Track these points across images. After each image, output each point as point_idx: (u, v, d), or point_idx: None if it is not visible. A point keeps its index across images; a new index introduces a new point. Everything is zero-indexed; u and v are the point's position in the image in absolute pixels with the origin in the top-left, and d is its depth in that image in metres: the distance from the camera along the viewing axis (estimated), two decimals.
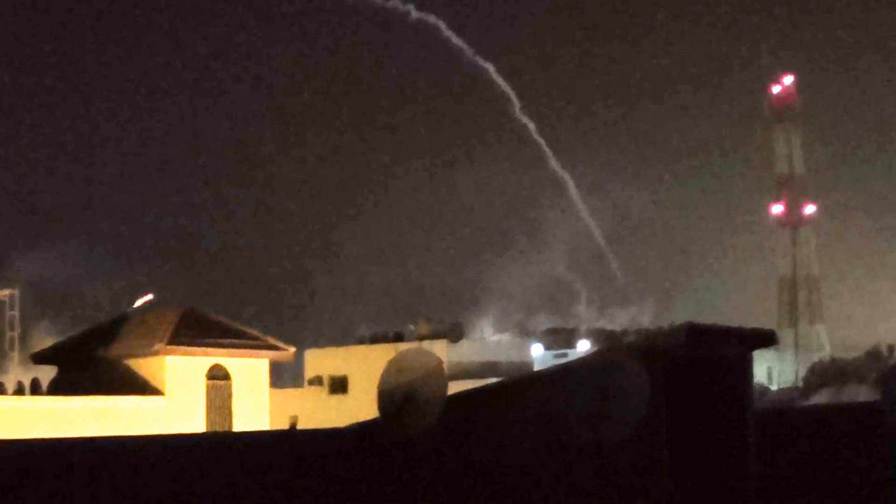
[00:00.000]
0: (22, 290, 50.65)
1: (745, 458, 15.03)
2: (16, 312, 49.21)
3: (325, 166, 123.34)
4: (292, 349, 37.69)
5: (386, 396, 13.86)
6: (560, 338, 61.92)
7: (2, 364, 46.85)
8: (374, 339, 55.48)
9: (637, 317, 71.42)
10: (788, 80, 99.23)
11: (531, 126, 74.72)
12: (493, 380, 16.19)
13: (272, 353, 36.67)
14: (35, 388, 33.89)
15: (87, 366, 34.31)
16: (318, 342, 55.87)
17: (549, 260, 75.51)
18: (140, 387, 33.32)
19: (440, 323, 55.62)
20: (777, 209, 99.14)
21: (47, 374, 36.13)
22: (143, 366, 33.78)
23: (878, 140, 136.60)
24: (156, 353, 33.44)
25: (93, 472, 12.99)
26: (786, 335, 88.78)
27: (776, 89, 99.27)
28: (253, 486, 13.92)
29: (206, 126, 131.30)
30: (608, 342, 56.20)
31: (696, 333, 14.27)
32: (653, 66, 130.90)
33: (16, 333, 48.63)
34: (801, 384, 68.52)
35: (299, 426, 41.10)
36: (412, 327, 55.91)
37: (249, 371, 35.55)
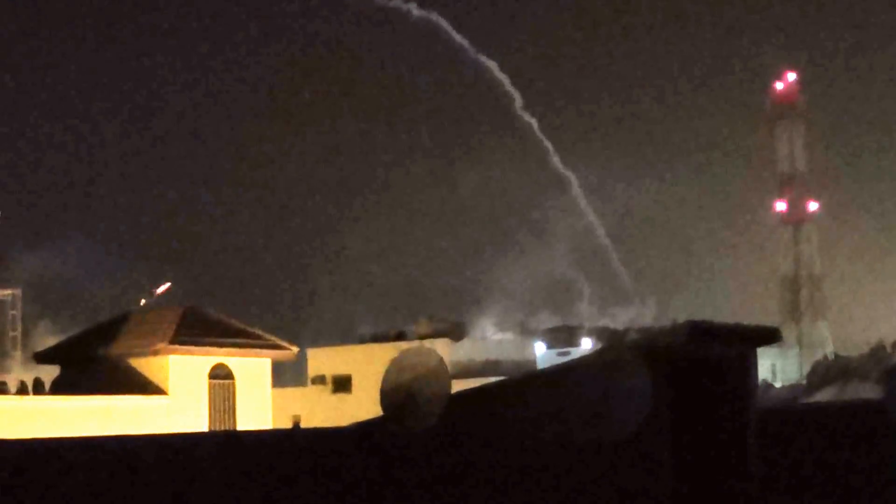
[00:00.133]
0: (24, 290, 50.74)
1: (748, 457, 15.00)
2: (17, 312, 49.27)
3: (327, 165, 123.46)
4: (295, 348, 37.73)
5: (388, 395, 13.89)
6: (562, 336, 61.93)
7: (4, 363, 46.87)
8: (376, 338, 55.53)
9: (639, 315, 71.51)
10: (791, 76, 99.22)
11: (534, 124, 74.78)
12: (495, 379, 16.16)
13: (275, 353, 36.70)
14: (37, 388, 33.91)
15: (90, 365, 34.35)
16: (321, 341, 55.96)
17: (551, 258, 75.59)
18: (143, 386, 33.36)
19: (442, 321, 55.65)
20: (780, 207, 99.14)
21: (50, 373, 36.16)
22: (146, 365, 33.81)
23: (881, 138, 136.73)
24: (158, 353, 33.48)
25: (95, 471, 12.98)
26: (789, 332, 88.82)
27: (779, 86, 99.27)
28: (256, 486, 13.91)
29: (208, 125, 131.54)
30: (610, 341, 56.20)
31: (699, 331, 14.22)
32: (655, 64, 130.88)
33: (18, 333, 48.69)
34: (804, 381, 68.52)
35: (302, 425, 41.20)
36: (413, 327, 55.96)
37: (252, 370, 35.58)
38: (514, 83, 75.21)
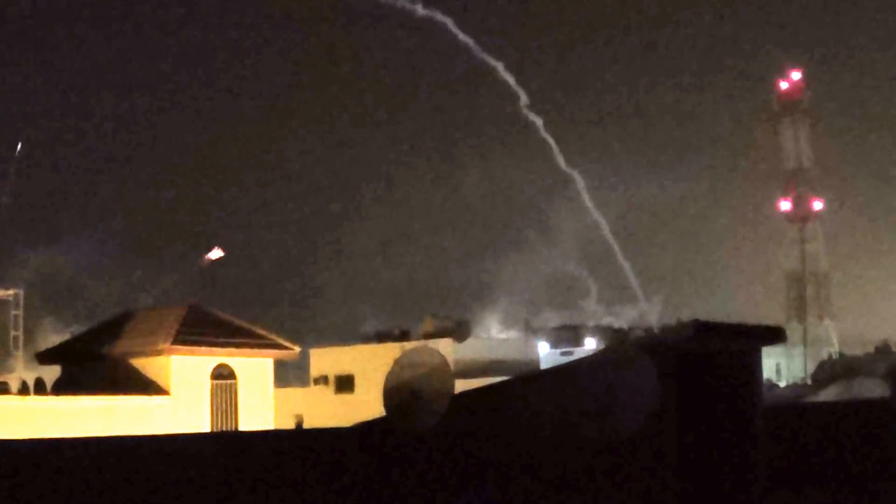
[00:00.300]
0: (27, 288, 50.70)
1: (754, 455, 14.94)
2: (20, 312, 49.21)
3: (331, 163, 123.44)
4: (297, 348, 37.59)
5: (391, 394, 13.83)
6: (567, 335, 61.85)
7: (6, 363, 46.82)
8: (380, 337, 55.41)
9: (644, 314, 71.38)
10: (796, 75, 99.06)
11: (539, 122, 74.61)
12: (499, 378, 16.07)
13: (277, 352, 36.57)
14: (39, 388, 33.80)
15: (92, 365, 34.24)
16: (324, 340, 55.83)
17: (556, 256, 75.50)
18: (145, 386, 33.23)
19: (446, 320, 55.54)
20: (785, 205, 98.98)
21: (51, 373, 36.05)
22: (148, 365, 33.69)
23: (887, 135, 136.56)
24: (160, 353, 33.34)
25: (98, 471, 12.91)
26: (794, 331, 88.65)
27: (783, 85, 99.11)
28: (258, 486, 13.83)
29: (210, 123, 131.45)
30: (615, 340, 56.12)
31: (704, 330, 14.15)
32: (660, 62, 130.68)
33: (20, 333, 48.64)
34: (809, 380, 68.39)
35: (304, 425, 41.11)
36: (417, 326, 55.86)
37: (254, 370, 35.45)
38: (518, 82, 75.13)
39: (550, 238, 78.29)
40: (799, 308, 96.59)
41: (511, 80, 73.75)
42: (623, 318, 71.73)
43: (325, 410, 46.49)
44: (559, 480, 14.03)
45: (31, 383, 34.19)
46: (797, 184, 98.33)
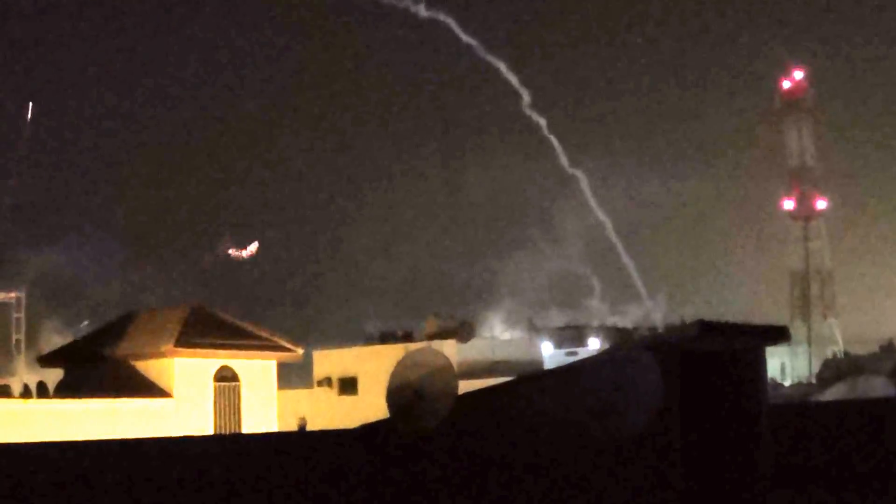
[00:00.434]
0: (29, 289, 50.67)
1: (759, 454, 14.87)
2: (21, 315, 49.19)
3: (334, 164, 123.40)
4: (300, 350, 37.53)
5: (395, 396, 13.78)
6: (571, 335, 61.78)
7: (8, 366, 46.78)
8: (384, 338, 55.31)
9: (649, 313, 71.29)
10: (799, 74, 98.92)
11: (542, 122, 74.55)
12: (503, 379, 15.99)
13: (280, 354, 36.52)
14: (41, 391, 33.75)
15: (95, 367, 34.19)
16: (328, 341, 55.71)
17: (560, 256, 75.42)
18: (148, 388, 33.17)
19: (450, 320, 55.41)
20: (788, 204, 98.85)
21: (54, 375, 36.00)
22: (151, 367, 33.64)
23: (891, 132, 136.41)
24: (163, 355, 33.29)
25: (101, 475, 12.85)
26: (798, 330, 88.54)
27: (786, 83, 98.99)
28: (263, 488, 13.76)
29: (213, 123, 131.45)
30: (619, 339, 56.05)
31: (708, 329, 14.09)
32: (663, 61, 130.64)
33: (21, 335, 48.62)
34: (814, 379, 68.26)
35: (308, 427, 41.02)
36: (421, 326, 55.74)
37: (257, 372, 35.40)
38: (521, 81, 75.04)
39: (554, 237, 78.27)
40: (803, 307, 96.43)
41: (514, 79, 73.75)
42: (627, 318, 71.66)
43: (328, 412, 46.38)
44: (563, 480, 13.96)
45: (33, 386, 34.13)
46: (801, 182, 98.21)
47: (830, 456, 19.12)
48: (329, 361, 52.82)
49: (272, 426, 34.52)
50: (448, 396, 13.60)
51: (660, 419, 13.13)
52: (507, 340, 58.19)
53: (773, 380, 65.26)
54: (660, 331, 52.08)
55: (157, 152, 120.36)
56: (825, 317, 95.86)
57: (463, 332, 53.24)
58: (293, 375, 49.17)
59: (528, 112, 74.64)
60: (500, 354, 51.19)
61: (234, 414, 34.30)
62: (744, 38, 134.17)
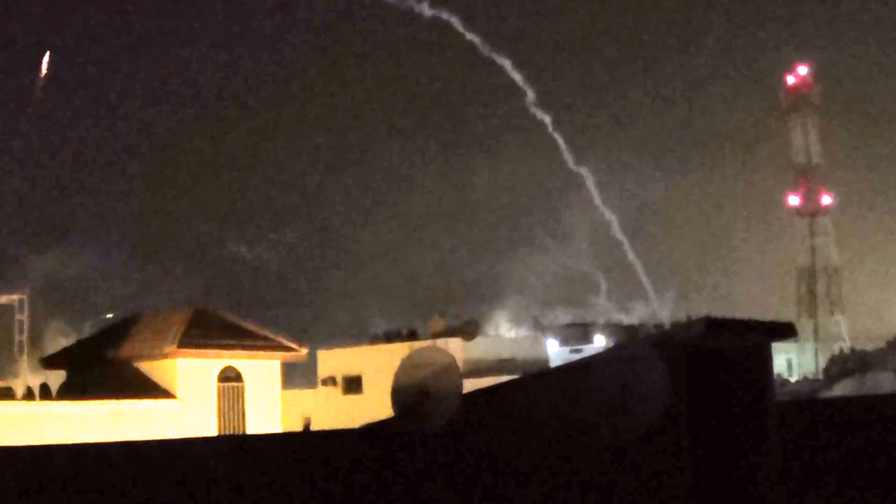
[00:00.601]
0: (33, 292, 50.64)
1: (766, 451, 14.79)
2: (24, 317, 49.16)
3: (338, 163, 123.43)
4: (304, 350, 37.46)
5: (400, 394, 13.71)
6: (577, 333, 61.68)
7: (11, 368, 46.76)
8: (389, 337, 55.24)
9: (655, 310, 71.19)
10: (803, 70, 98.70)
11: (547, 120, 74.49)
12: (509, 377, 15.91)
13: (284, 354, 36.44)
14: (44, 393, 33.68)
15: (98, 369, 34.14)
16: (333, 340, 55.66)
17: (566, 254, 75.37)
18: (151, 389, 33.10)
19: (455, 318, 55.34)
20: (794, 200, 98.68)
21: (57, 377, 35.96)
22: (154, 368, 33.57)
23: None
24: (166, 356, 33.22)
25: (104, 478, 12.72)
26: (805, 326, 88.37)
27: (791, 80, 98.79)
28: (267, 489, 13.64)
29: (216, 124, 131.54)
30: (626, 337, 55.98)
31: (715, 326, 14.00)
32: (669, 57, 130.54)
33: (24, 338, 48.60)
34: (821, 375, 68.12)
35: (313, 426, 40.96)
36: (426, 325, 55.65)
37: (261, 372, 35.31)
38: (527, 80, 74.95)
39: (560, 235, 78.27)
40: (810, 303, 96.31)
41: (518, 77, 73.67)
42: (633, 315, 71.59)
43: (333, 411, 46.30)
44: (570, 479, 13.87)
45: (36, 388, 34.05)
46: (807, 178, 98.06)
47: (839, 452, 18.99)
48: (333, 361, 52.75)
49: (276, 426, 34.44)
50: (453, 395, 13.51)
51: (667, 417, 13.06)
52: (512, 339, 58.12)
53: (780, 376, 65.13)
54: (666, 328, 52.00)
55: (161, 153, 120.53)
56: (832, 313, 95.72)
57: (468, 330, 53.17)
58: (298, 375, 49.16)
59: (533, 110, 74.62)
60: (505, 353, 51.13)
61: (239, 414, 34.23)
62: (750, 34, 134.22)
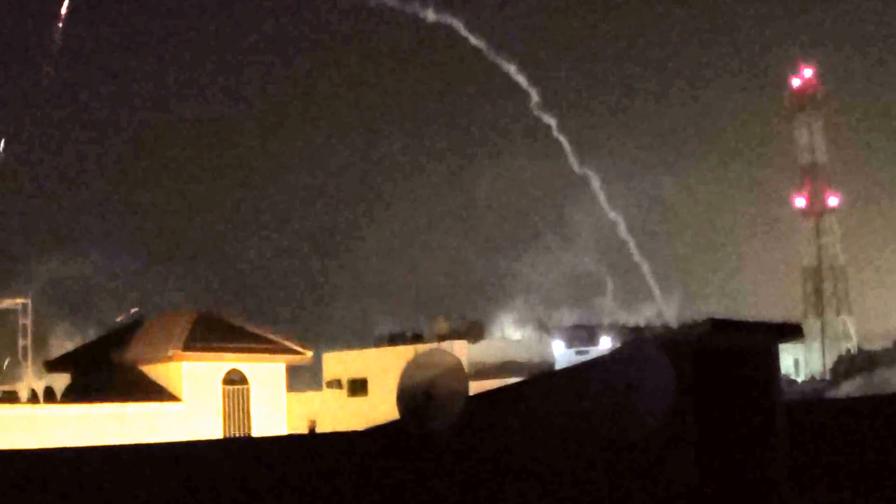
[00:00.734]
0: (38, 294, 50.59)
1: (774, 452, 14.74)
2: (28, 321, 49.11)
3: (343, 166, 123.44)
4: (309, 352, 37.44)
5: (405, 396, 13.66)
6: (582, 334, 61.57)
7: (16, 372, 46.72)
8: (393, 339, 55.18)
9: (661, 310, 71.07)
10: (808, 72, 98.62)
11: (553, 122, 74.46)
12: (515, 379, 15.86)
13: (289, 357, 36.41)
14: (49, 396, 33.65)
15: (103, 372, 34.11)
16: (339, 342, 55.60)
17: (572, 255, 75.28)
18: (157, 392, 33.07)
19: (460, 320, 55.30)
20: (800, 202, 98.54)
21: (61, 381, 35.91)
22: (159, 371, 33.54)
23: None
24: (171, 359, 33.18)
25: (110, 480, 12.68)
26: (811, 326, 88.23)
27: (796, 82, 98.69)
28: (273, 492, 13.59)
29: (225, 126, 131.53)
30: (631, 338, 55.83)
31: (721, 327, 13.96)
32: (674, 58, 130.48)
33: (28, 342, 48.57)
34: (828, 375, 68.00)
35: (318, 429, 40.90)
36: (431, 326, 55.59)
37: (266, 375, 35.28)
38: (532, 82, 74.88)
39: (566, 236, 78.14)
40: (816, 303, 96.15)
41: (524, 81, 73.65)
42: (641, 315, 71.43)
43: (338, 414, 46.24)
44: (576, 481, 13.81)
45: (40, 392, 34.03)
46: (813, 178, 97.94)
47: (847, 452, 18.91)
48: (339, 363, 52.68)
49: (282, 429, 34.41)
50: (459, 397, 13.47)
51: (673, 418, 13.01)
52: (518, 340, 58.02)
53: (787, 376, 65.01)
54: (672, 329, 51.90)
55: (166, 155, 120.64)
56: (838, 312, 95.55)
57: (473, 332, 53.13)
58: (303, 377, 49.12)
59: (538, 112, 74.61)
60: (511, 354, 51.05)
61: (244, 417, 34.18)
62: (756, 34, 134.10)
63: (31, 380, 42.42)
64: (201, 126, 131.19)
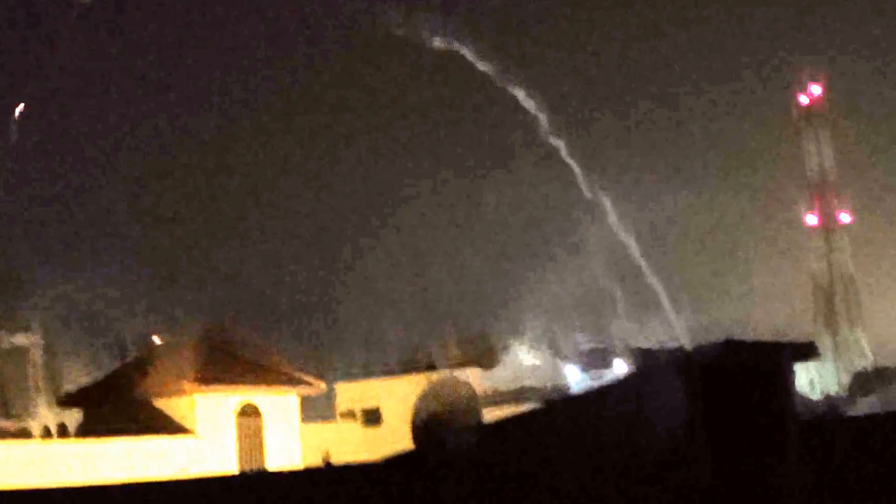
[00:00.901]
0: (48, 326, 50.33)
1: (789, 470, 14.63)
2: (38, 356, 48.89)
3: (353, 191, 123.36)
4: (322, 384, 37.25)
5: (420, 426, 13.60)
6: (596, 357, 61.21)
7: (27, 408, 46.51)
8: (406, 368, 54.84)
9: (675, 330, 70.61)
10: (816, 89, 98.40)
11: (561, 145, 74.38)
12: (529, 406, 15.77)
13: (302, 388, 36.22)
14: (62, 432, 33.46)
15: (115, 407, 33.93)
16: (351, 370, 55.34)
17: (583, 276, 74.83)
18: (170, 427, 32.89)
19: (472, 346, 55.04)
20: (812, 219, 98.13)
21: (74, 416, 35.68)
22: (172, 405, 33.39)
23: None
24: (184, 392, 33.02)
25: None
26: (824, 342, 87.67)
27: (804, 99, 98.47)
28: None
29: (229, 149, 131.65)
30: (645, 360, 55.51)
31: (735, 348, 13.90)
32: (683, 73, 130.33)
33: (38, 377, 48.35)
34: (843, 392, 67.56)
35: (332, 461, 40.66)
36: (442, 353, 55.27)
37: (280, 407, 35.11)
38: (540, 106, 74.80)
39: (577, 258, 77.78)
40: (829, 318, 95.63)
41: (532, 106, 73.62)
42: (654, 335, 70.97)
43: (353, 445, 46.01)
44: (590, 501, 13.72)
45: (53, 428, 33.84)
46: (822, 194, 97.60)
47: (864, 470, 18.75)
48: (352, 393, 52.40)
49: (296, 461, 34.19)
50: (473, 426, 13.40)
51: (687, 438, 12.93)
52: (531, 366, 57.70)
53: (803, 394, 64.52)
54: (686, 349, 51.66)
55: (174, 173, 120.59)
56: (851, 329, 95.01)
57: (487, 358, 52.83)
58: (317, 408, 48.84)
59: (547, 136, 74.55)
60: (525, 380, 50.74)
61: (258, 450, 33.99)
62: (766, 49, 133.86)
63: (45, 415, 42.25)
64: (207, 149, 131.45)
